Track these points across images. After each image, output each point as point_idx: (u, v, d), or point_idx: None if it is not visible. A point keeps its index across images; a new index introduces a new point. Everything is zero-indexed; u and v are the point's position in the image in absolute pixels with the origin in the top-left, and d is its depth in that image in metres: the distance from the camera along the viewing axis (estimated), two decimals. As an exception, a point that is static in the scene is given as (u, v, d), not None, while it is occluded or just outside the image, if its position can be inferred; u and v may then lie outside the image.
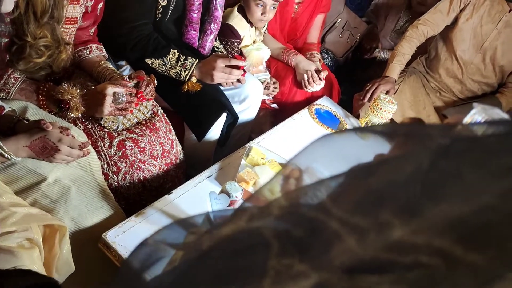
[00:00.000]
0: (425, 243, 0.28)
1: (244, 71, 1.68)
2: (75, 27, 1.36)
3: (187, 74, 1.60)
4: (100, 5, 1.43)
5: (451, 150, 0.33)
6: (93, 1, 1.38)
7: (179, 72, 1.59)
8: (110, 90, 1.25)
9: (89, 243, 1.15)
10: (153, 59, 1.57)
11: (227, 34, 1.96)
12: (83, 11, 1.37)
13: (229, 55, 1.78)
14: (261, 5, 1.90)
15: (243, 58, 1.71)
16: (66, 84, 1.22)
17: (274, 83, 2.05)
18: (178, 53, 1.58)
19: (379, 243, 0.29)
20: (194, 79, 1.61)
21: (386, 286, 0.28)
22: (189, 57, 1.59)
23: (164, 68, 1.59)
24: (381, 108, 1.84)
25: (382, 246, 0.29)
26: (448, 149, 0.33)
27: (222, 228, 0.39)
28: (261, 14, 1.92)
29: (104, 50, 1.52)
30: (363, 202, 0.33)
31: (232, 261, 0.35)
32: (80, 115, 1.27)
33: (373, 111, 1.87)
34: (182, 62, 1.59)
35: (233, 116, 1.70)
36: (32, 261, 0.96)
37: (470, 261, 0.27)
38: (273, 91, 2.04)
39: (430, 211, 0.29)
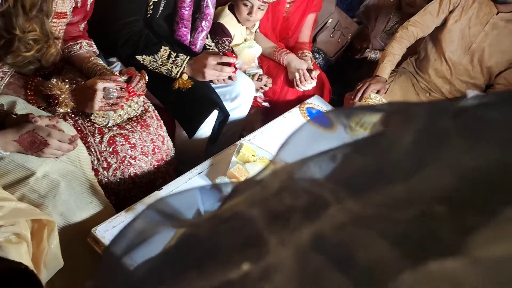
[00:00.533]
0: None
1: (236, 68, 1.68)
2: (64, 22, 1.35)
3: (178, 71, 1.60)
4: (91, 0, 1.43)
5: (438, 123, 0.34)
6: None
7: (170, 69, 1.59)
8: (101, 85, 1.24)
9: (78, 238, 1.14)
10: (144, 55, 1.57)
11: (218, 32, 1.96)
12: (73, 5, 1.36)
13: (220, 53, 1.78)
14: (248, 5, 1.90)
15: (234, 55, 1.71)
16: (55, 79, 1.21)
17: (267, 78, 2.05)
18: (169, 50, 1.58)
19: (375, 200, 0.30)
20: (185, 76, 1.61)
21: (378, 239, 0.28)
22: (180, 54, 1.59)
23: (155, 65, 1.58)
24: (371, 107, 1.85)
25: (378, 202, 0.30)
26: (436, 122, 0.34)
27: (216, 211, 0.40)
28: (248, 14, 1.93)
29: (94, 46, 1.52)
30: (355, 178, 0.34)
31: (229, 238, 0.35)
32: (69, 110, 1.26)
33: (364, 110, 1.87)
34: (173, 59, 1.58)
35: (224, 113, 1.70)
36: (20, 256, 0.95)
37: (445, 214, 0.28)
38: (265, 85, 2.04)
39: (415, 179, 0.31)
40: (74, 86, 1.26)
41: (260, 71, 2.03)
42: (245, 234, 0.35)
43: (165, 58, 1.57)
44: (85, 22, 1.47)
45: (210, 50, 1.87)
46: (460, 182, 0.30)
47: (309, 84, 2.04)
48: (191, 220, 0.49)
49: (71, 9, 1.36)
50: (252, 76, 1.99)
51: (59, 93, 1.21)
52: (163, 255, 0.41)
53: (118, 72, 1.36)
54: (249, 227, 0.35)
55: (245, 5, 1.90)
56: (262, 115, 2.10)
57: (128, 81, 1.34)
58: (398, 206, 0.30)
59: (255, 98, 2.02)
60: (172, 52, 1.58)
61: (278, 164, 0.44)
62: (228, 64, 1.62)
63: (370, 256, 0.28)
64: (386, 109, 0.49)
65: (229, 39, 1.97)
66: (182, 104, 1.62)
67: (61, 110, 1.24)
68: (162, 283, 0.37)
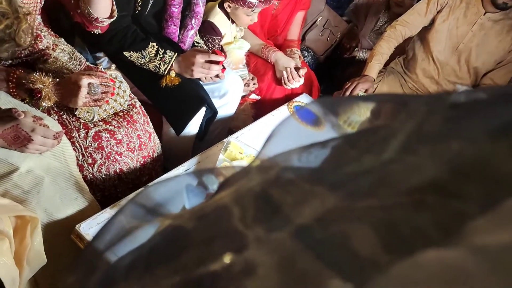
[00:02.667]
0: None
1: (224, 67, 1.67)
2: (34, 4, 1.30)
3: (166, 68, 1.59)
4: None
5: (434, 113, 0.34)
6: None
7: (158, 65, 1.58)
8: (85, 81, 1.22)
9: (62, 234, 1.12)
10: (131, 52, 1.55)
11: (208, 31, 1.95)
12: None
13: (209, 51, 1.78)
14: (250, 14, 1.91)
15: (222, 54, 1.70)
16: (38, 73, 1.19)
17: (252, 79, 2.05)
18: (157, 47, 1.57)
19: (360, 189, 0.30)
20: (173, 73, 1.60)
21: (365, 230, 0.28)
22: (168, 51, 1.58)
23: (142, 61, 1.57)
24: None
25: (362, 191, 0.30)
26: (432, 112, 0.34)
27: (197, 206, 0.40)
28: (250, 20, 1.93)
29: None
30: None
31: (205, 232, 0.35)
32: (52, 104, 1.24)
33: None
34: (161, 56, 1.57)
35: (212, 111, 1.70)
36: (1, 252, 0.94)
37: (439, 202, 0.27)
38: (251, 87, 2.04)
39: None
40: (58, 80, 1.24)
41: (246, 72, 2.03)
42: (229, 226, 0.34)
43: (152, 55, 1.56)
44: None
45: (199, 47, 1.86)
46: (453, 171, 0.29)
47: (297, 82, 2.04)
48: (175, 214, 0.49)
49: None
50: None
51: (42, 86, 1.19)
52: (144, 248, 0.40)
53: (104, 68, 1.34)
54: (232, 220, 0.34)
55: (248, 15, 1.90)
56: (253, 110, 2.09)
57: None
58: (384, 194, 0.30)
59: (244, 96, 2.01)
60: (160, 49, 1.57)
61: (262, 159, 0.44)
62: (216, 62, 1.62)
63: (358, 248, 0.28)
64: (374, 99, 0.49)
65: (219, 37, 1.96)
66: (170, 101, 1.61)
67: (44, 104, 1.21)
68: (142, 275, 0.36)
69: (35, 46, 1.30)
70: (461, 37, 2.08)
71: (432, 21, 2.13)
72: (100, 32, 1.44)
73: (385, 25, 2.62)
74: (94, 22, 1.36)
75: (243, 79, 1.99)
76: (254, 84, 2.04)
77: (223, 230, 0.34)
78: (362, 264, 0.27)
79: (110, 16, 1.39)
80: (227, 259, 0.31)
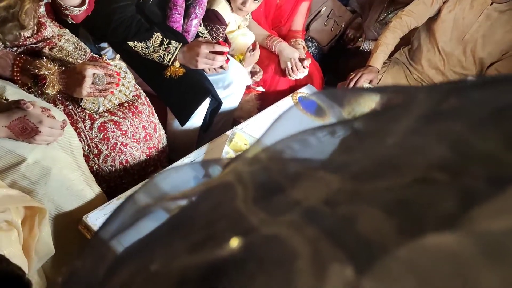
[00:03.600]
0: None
1: (228, 58, 1.67)
2: None
3: (170, 59, 1.58)
4: None
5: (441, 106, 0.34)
6: None
7: (162, 56, 1.57)
8: (90, 71, 1.22)
9: (69, 225, 1.13)
10: (135, 42, 1.55)
11: (212, 19, 1.94)
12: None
13: (214, 41, 1.77)
14: None
15: (227, 45, 1.69)
16: (44, 59, 1.19)
17: (259, 71, 2.04)
18: (161, 37, 1.56)
19: (365, 169, 0.30)
20: (177, 64, 1.59)
21: (372, 209, 0.28)
22: (173, 41, 1.57)
23: (147, 52, 1.56)
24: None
25: (367, 171, 0.30)
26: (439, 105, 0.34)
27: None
28: (241, 4, 1.91)
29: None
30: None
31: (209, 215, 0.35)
32: (56, 92, 1.24)
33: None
34: (166, 46, 1.56)
35: (216, 101, 1.69)
36: (10, 243, 0.95)
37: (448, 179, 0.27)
38: (256, 78, 2.03)
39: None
40: (64, 68, 1.24)
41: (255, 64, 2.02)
42: (233, 208, 0.34)
43: (157, 45, 1.56)
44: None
45: (203, 38, 1.85)
46: (460, 151, 0.29)
47: (301, 73, 2.03)
48: (179, 193, 0.49)
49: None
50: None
51: (47, 73, 1.19)
52: (151, 235, 0.40)
53: (108, 58, 1.34)
54: (236, 202, 0.34)
55: None
56: (258, 101, 2.09)
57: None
58: (392, 175, 0.30)
59: (248, 87, 2.01)
60: (164, 39, 1.56)
61: (264, 146, 0.44)
62: (221, 53, 1.61)
63: (365, 228, 0.27)
64: (380, 90, 0.49)
65: (223, 26, 1.95)
66: (174, 91, 1.61)
67: (48, 92, 1.21)
68: (150, 261, 0.37)
69: (39, 34, 1.30)
70: (467, 28, 2.06)
71: (438, 11, 2.11)
72: (74, 22, 1.42)
73: (390, 16, 2.59)
74: (64, 10, 1.34)
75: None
76: (259, 75, 2.04)
77: (227, 211, 0.34)
78: (370, 246, 0.27)
79: (81, 4, 1.36)
80: (235, 242, 0.31)
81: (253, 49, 1.94)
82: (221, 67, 1.68)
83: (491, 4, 2.00)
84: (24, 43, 1.27)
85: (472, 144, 0.29)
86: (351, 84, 2.00)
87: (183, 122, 1.63)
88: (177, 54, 1.58)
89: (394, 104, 0.45)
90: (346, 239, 0.27)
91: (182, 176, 0.60)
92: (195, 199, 0.44)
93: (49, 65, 1.19)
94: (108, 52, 1.65)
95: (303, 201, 0.31)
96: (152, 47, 1.56)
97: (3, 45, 1.20)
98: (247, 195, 0.34)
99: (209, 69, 1.70)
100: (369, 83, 2.00)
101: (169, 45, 1.57)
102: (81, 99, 1.28)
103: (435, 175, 0.28)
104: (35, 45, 1.30)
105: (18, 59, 1.21)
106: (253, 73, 2.02)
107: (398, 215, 0.27)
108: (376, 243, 0.27)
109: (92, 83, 1.23)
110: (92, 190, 1.21)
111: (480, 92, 0.35)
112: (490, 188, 0.27)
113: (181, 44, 1.58)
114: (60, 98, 1.30)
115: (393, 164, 0.31)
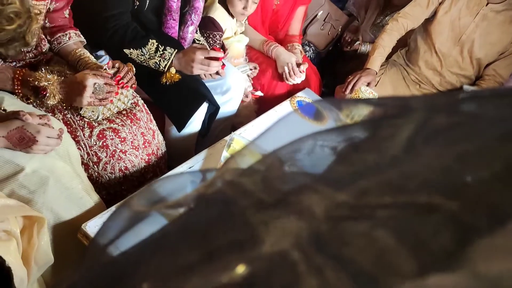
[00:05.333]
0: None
1: (223, 64, 1.67)
2: (43, 5, 1.31)
3: (166, 65, 1.58)
4: None
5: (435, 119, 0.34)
6: None
7: (158, 62, 1.58)
8: (91, 81, 1.23)
9: (68, 234, 1.13)
10: (131, 49, 1.55)
11: (209, 27, 1.94)
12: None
13: (209, 47, 1.77)
14: (243, 0, 1.90)
15: (222, 50, 1.70)
16: (43, 71, 1.20)
17: (255, 68, 2.05)
18: (156, 43, 1.56)
19: (360, 188, 0.30)
20: (173, 70, 1.60)
21: (367, 230, 0.28)
22: (168, 47, 1.58)
23: (142, 59, 1.57)
24: (362, 100, 1.86)
25: (360, 190, 0.30)
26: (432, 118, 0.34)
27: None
28: (243, 9, 1.92)
29: (81, 35, 1.50)
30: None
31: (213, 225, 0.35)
32: (57, 102, 1.25)
33: (354, 103, 1.88)
34: (161, 53, 1.57)
35: (214, 106, 1.70)
36: (9, 252, 0.94)
37: (451, 209, 0.27)
38: (255, 73, 2.05)
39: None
40: (63, 78, 1.25)
41: (247, 67, 2.02)
42: (236, 227, 0.34)
43: (152, 52, 1.56)
44: (69, 8, 1.45)
45: (199, 44, 1.86)
46: (459, 182, 0.29)
47: (298, 78, 2.04)
48: (177, 200, 0.48)
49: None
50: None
51: (48, 84, 1.20)
52: (150, 243, 0.40)
53: (106, 65, 1.35)
54: (238, 220, 0.34)
55: (240, 0, 1.90)
56: (256, 106, 2.09)
57: (117, 73, 1.34)
58: (392, 194, 0.29)
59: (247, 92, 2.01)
60: (159, 46, 1.57)
61: (261, 153, 0.44)
62: (216, 59, 1.61)
63: (369, 259, 0.27)
64: (380, 103, 0.49)
65: (220, 33, 1.96)
66: (171, 98, 1.61)
67: (50, 102, 1.22)
68: (147, 277, 0.36)
69: (38, 48, 1.31)
70: (463, 28, 2.07)
71: (434, 13, 2.12)
72: None
73: (387, 18, 2.60)
74: None
75: (246, 74, 1.99)
76: (255, 68, 2.05)
77: (233, 230, 0.33)
78: (375, 282, 0.27)
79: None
80: (241, 269, 0.30)
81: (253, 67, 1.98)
82: (217, 73, 1.69)
83: (486, 5, 2.01)
84: (24, 57, 1.29)
85: (472, 173, 0.29)
86: (349, 87, 2.00)
87: (180, 128, 1.63)
88: (172, 60, 1.58)
89: (391, 114, 0.44)
90: (350, 271, 0.27)
91: (179, 182, 0.60)
92: (191, 211, 0.43)
93: (48, 76, 1.20)
94: (105, 59, 1.66)
95: (306, 221, 0.31)
96: (148, 54, 1.56)
97: (2, 60, 1.21)
98: (250, 211, 0.33)
99: (205, 75, 1.70)
100: (367, 85, 2.00)
101: (165, 51, 1.57)
102: (81, 107, 1.29)
103: (435, 202, 0.28)
104: (34, 59, 1.32)
105: (18, 72, 1.22)
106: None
107: (402, 247, 0.27)
108: (381, 278, 0.26)
109: (93, 93, 1.24)
110: (91, 198, 1.21)
111: (480, 108, 0.35)
112: (489, 223, 0.26)
113: (176, 50, 1.59)
114: (59, 107, 1.30)
115: (393, 185, 0.30)
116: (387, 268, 0.26)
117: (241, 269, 0.30)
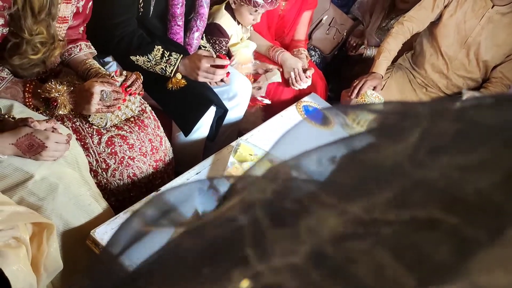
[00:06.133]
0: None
1: (228, 72, 1.67)
2: (66, 27, 1.35)
3: (172, 70, 1.59)
4: (90, 4, 1.43)
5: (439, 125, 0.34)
6: (83, 1, 1.37)
7: (164, 68, 1.59)
8: (98, 88, 1.24)
9: (77, 240, 1.14)
10: (138, 56, 1.57)
11: (215, 33, 1.95)
12: (74, 11, 1.36)
13: (215, 54, 1.78)
14: (254, 14, 1.91)
15: (227, 58, 1.70)
16: (53, 82, 1.22)
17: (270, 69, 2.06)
18: (162, 49, 1.58)
19: (364, 203, 0.30)
20: (178, 75, 1.61)
21: (369, 248, 0.28)
22: (174, 53, 1.59)
23: (149, 65, 1.58)
24: (368, 104, 1.86)
25: (366, 206, 0.29)
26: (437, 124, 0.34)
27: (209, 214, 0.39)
28: (253, 20, 1.94)
29: (92, 47, 1.52)
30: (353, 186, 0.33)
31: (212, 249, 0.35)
32: (67, 112, 1.27)
33: (360, 107, 1.88)
34: (167, 58, 1.58)
35: (222, 109, 1.70)
36: (18, 259, 0.95)
37: (451, 223, 0.27)
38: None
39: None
40: (72, 88, 1.27)
41: (251, 69, 2.03)
42: (241, 246, 0.34)
43: (158, 58, 1.57)
44: (84, 25, 1.47)
45: (206, 50, 1.87)
46: (462, 193, 0.28)
47: (304, 84, 2.04)
48: (187, 220, 0.49)
49: (72, 14, 1.36)
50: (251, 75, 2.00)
51: (58, 95, 1.22)
52: (159, 257, 0.40)
53: (113, 73, 1.36)
54: (242, 239, 0.34)
55: (251, 13, 1.91)
56: (262, 112, 2.09)
57: (125, 80, 1.35)
58: (399, 208, 0.29)
59: (255, 99, 2.02)
60: (165, 51, 1.58)
61: (273, 161, 0.44)
62: (222, 67, 1.62)
63: (369, 275, 0.27)
64: (385, 109, 0.49)
65: (226, 39, 1.97)
66: (177, 103, 1.62)
67: (60, 112, 1.25)
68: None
69: (55, 67, 1.34)
70: (469, 31, 2.06)
71: (440, 16, 2.11)
72: None
73: (392, 22, 2.60)
74: None
75: (250, 74, 1.99)
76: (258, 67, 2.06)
77: (238, 249, 0.33)
78: None
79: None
80: (245, 284, 0.31)
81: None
82: (222, 80, 1.69)
83: (492, 7, 2.00)
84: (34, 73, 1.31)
85: (474, 185, 0.29)
86: (355, 91, 2.00)
87: (187, 132, 1.64)
88: (178, 65, 1.59)
89: (394, 123, 0.44)
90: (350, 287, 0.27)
91: (187, 190, 0.60)
92: (203, 226, 0.43)
93: (58, 87, 1.22)
94: (112, 66, 1.67)
95: (311, 237, 0.31)
96: (154, 60, 1.57)
97: (12, 75, 1.23)
98: (256, 237, 0.33)
99: (209, 82, 1.71)
100: (373, 89, 2.00)
101: (170, 57, 1.58)
102: (89, 115, 1.30)
103: (435, 217, 0.28)
104: (44, 74, 1.35)
105: (28, 85, 1.24)
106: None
107: (402, 262, 0.27)
108: None
109: (100, 100, 1.25)
110: (99, 205, 1.22)
111: (484, 116, 0.35)
112: (489, 234, 0.26)
113: (181, 55, 1.60)
114: (69, 116, 1.32)
115: (397, 200, 0.30)
116: (386, 283, 0.26)
117: (245, 284, 0.30)
